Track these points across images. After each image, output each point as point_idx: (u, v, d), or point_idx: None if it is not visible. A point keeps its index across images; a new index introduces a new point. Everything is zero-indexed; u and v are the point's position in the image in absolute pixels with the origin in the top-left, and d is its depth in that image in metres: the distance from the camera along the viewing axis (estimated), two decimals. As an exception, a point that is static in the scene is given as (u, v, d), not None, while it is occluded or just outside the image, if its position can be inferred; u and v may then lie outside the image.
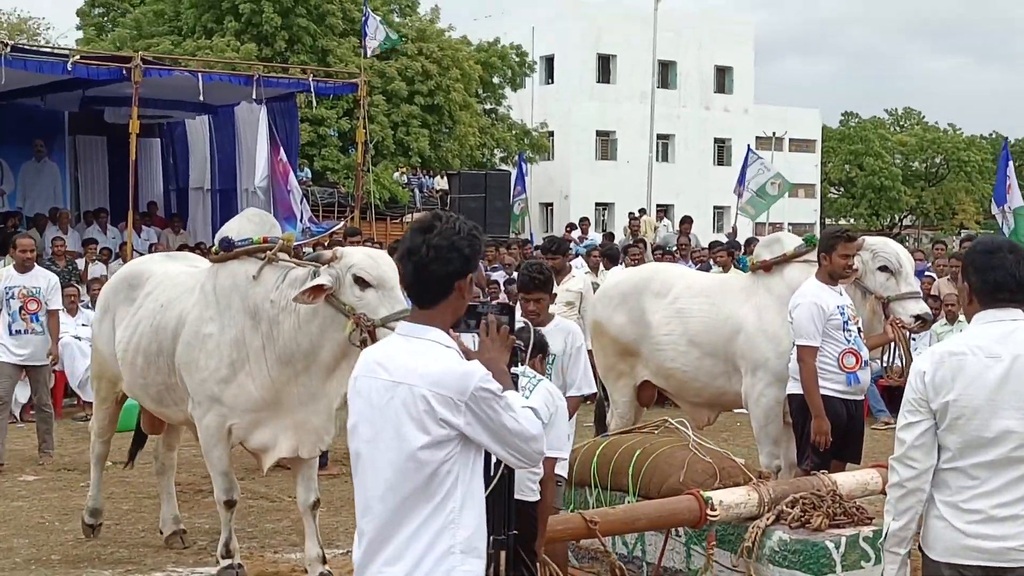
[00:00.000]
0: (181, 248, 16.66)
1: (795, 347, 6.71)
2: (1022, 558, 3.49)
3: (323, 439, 6.27)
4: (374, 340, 5.41)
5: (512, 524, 3.82)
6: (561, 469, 5.20)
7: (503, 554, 3.85)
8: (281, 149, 16.40)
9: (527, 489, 4.75)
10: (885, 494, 6.31)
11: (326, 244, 18.28)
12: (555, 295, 6.05)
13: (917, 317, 6.96)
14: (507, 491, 3.78)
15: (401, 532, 3.04)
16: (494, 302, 3.96)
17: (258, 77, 16.03)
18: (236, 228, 6.43)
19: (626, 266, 12.68)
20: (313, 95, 16.75)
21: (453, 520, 3.05)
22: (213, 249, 6.61)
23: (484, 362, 3.21)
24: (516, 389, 3.99)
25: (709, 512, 5.50)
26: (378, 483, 3.09)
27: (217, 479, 6.37)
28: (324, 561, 6.29)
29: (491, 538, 3.55)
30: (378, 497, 3.09)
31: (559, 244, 10.52)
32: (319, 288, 5.76)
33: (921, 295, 7.45)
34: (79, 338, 11.94)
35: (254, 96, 16.17)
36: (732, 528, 5.68)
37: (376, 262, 5.86)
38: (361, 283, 5.77)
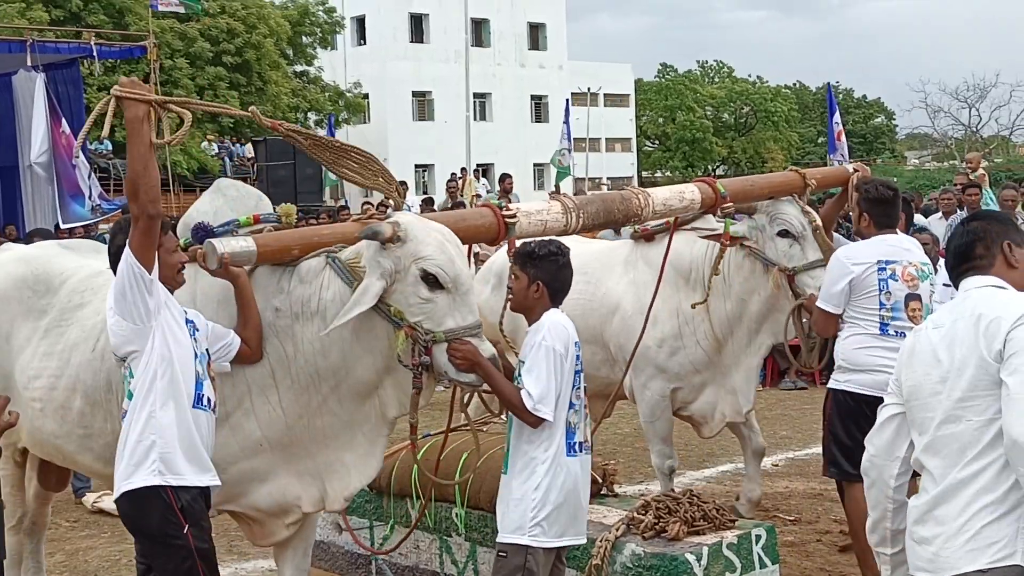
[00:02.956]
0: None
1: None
2: (937, 568, 2.93)
3: (353, 481, 4.44)
4: (431, 360, 4.09)
5: None
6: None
7: None
8: (63, 121, 14.95)
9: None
10: (705, 210, 5.70)
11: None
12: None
13: None
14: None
15: None
16: None
17: (32, 42, 14.61)
18: (210, 209, 4.56)
19: None
20: (96, 60, 15.30)
21: None
22: (183, 242, 4.52)
23: None
24: None
25: (506, 216, 4.84)
26: None
27: None
28: None
29: None
30: None
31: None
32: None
33: None
34: None
35: (29, 63, 14.72)
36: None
37: (450, 255, 4.19)
38: (430, 282, 4.12)
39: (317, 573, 6.16)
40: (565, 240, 4.71)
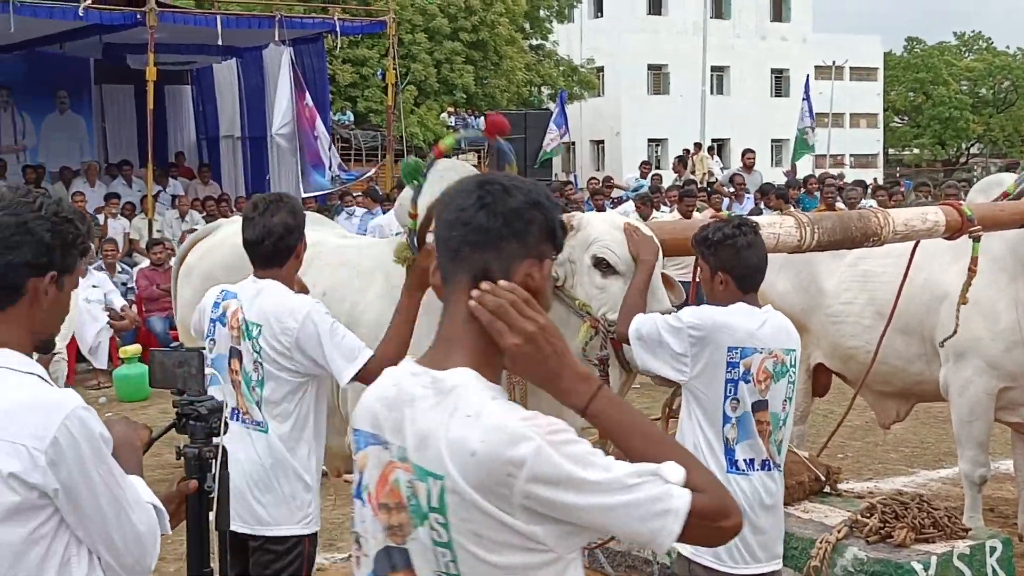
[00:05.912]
0: (207, 200, 15.98)
1: None
2: None
3: None
4: (619, 354, 3.93)
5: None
6: None
7: None
8: (307, 94, 15.51)
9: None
10: (949, 235, 5.19)
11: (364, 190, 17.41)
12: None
13: None
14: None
15: None
16: (184, 347, 2.87)
17: (280, 18, 15.16)
18: (428, 190, 4.48)
19: (682, 214, 11.58)
20: (338, 35, 15.80)
21: None
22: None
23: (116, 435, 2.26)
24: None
25: None
26: None
27: None
28: None
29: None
30: None
31: None
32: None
33: None
34: (88, 300, 11.20)
35: (277, 37, 15.35)
36: (796, 541, 4.72)
37: (623, 239, 4.10)
38: (603, 267, 4.03)
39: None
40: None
